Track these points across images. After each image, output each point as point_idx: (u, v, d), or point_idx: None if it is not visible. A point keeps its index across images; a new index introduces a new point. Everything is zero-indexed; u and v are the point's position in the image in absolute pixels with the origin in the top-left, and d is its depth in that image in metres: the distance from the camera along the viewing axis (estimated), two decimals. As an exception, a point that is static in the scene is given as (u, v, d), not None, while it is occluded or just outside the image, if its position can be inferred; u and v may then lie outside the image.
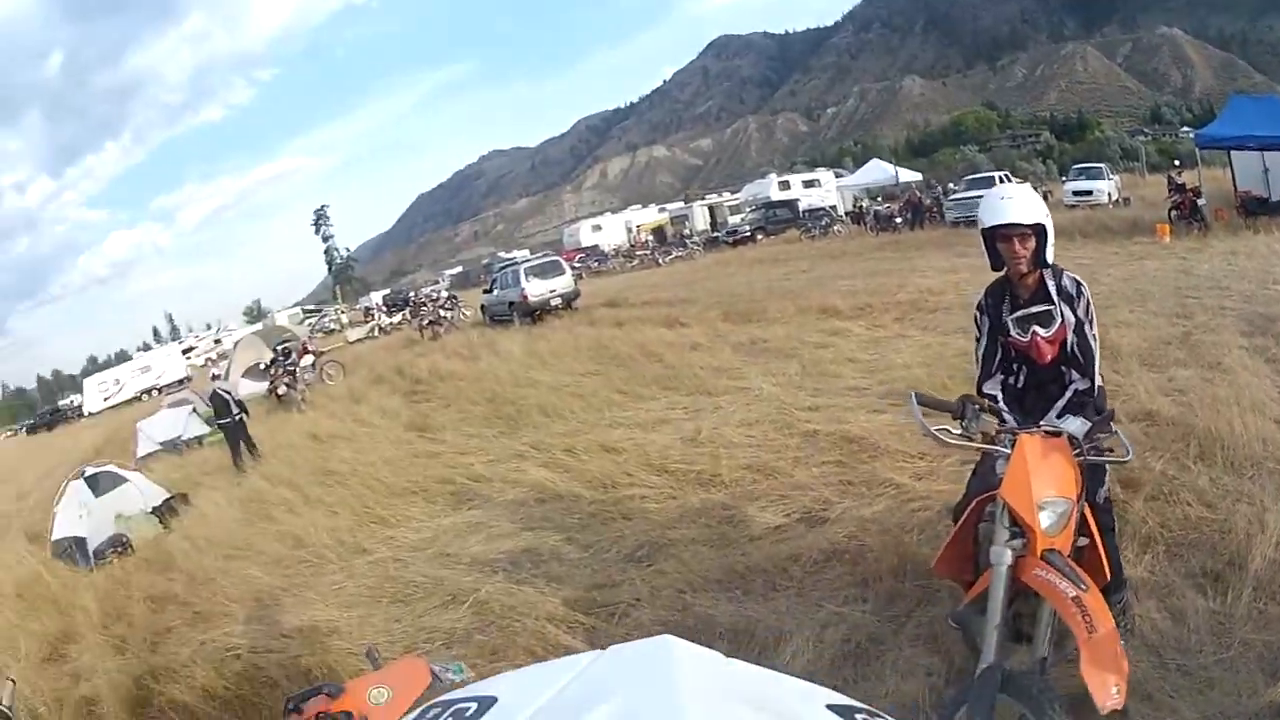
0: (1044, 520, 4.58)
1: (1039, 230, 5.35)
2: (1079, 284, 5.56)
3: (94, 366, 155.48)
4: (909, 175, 67.24)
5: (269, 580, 10.97)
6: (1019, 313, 5.64)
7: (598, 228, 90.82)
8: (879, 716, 1.86)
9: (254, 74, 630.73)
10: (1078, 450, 4.91)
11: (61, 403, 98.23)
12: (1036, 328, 5.57)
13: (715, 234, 71.01)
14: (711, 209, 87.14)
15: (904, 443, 10.28)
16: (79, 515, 16.57)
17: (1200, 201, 28.90)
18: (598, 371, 19.05)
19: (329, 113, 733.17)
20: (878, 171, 68.83)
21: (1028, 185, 5.52)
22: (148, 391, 69.72)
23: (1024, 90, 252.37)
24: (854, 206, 62.40)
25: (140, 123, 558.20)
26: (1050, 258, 5.48)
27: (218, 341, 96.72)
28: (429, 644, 8.20)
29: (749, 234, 61.73)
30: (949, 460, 9.27)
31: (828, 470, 10.15)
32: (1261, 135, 27.17)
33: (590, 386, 17.32)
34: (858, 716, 1.84)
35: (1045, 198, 6.00)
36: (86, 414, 73.37)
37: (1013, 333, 5.66)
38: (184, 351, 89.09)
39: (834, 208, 63.16)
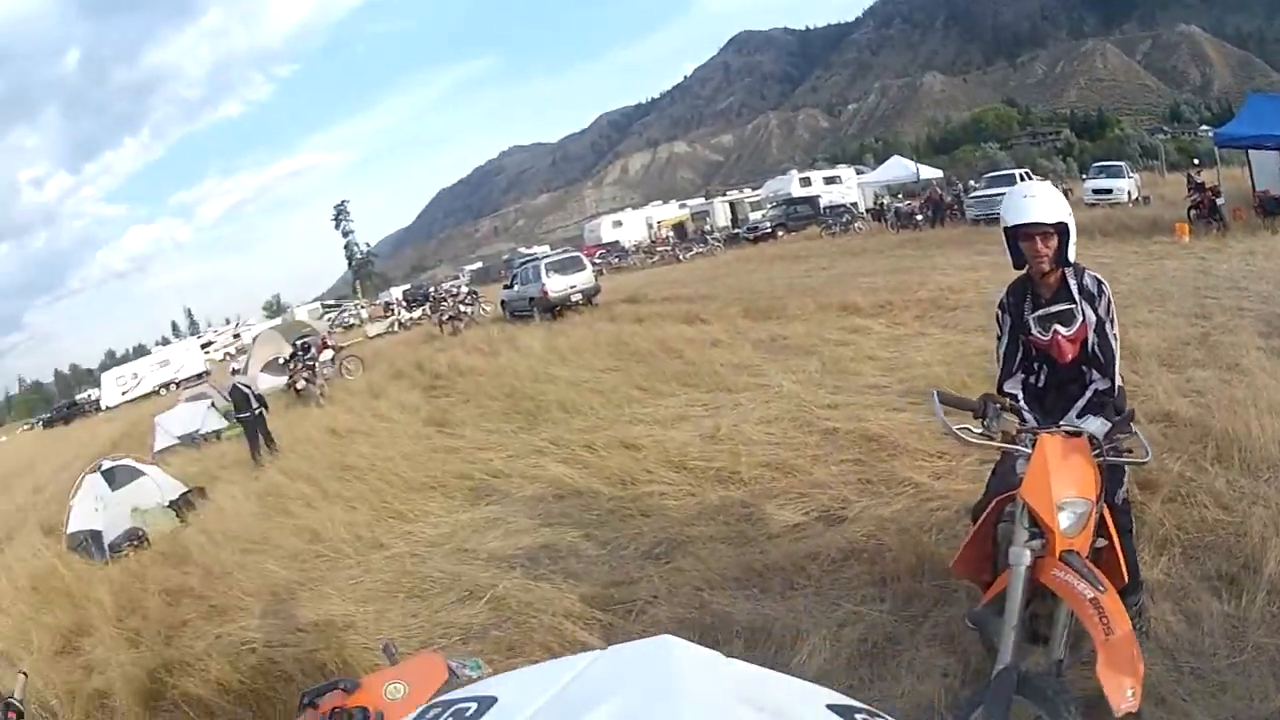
0: (1063, 521, 4.55)
1: (1061, 229, 5.30)
2: (1100, 283, 5.50)
3: (112, 361, 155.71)
4: (930, 172, 66.85)
5: (285, 574, 10.99)
6: (1040, 311, 5.57)
7: (619, 224, 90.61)
8: (879, 717, 1.83)
9: (273, 70, 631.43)
10: (1097, 451, 4.86)
11: (79, 397, 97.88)
12: (1058, 326, 5.51)
13: (736, 230, 71.12)
14: (732, 205, 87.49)
15: (923, 441, 10.25)
16: (95, 509, 16.56)
17: (1219, 201, 28.80)
18: (618, 368, 19.02)
19: (349, 108, 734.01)
20: (899, 168, 68.49)
21: (1049, 183, 5.40)
22: (166, 386, 69.75)
23: (1044, 87, 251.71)
24: (875, 203, 62.12)
25: (159, 119, 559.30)
26: (1072, 256, 5.43)
27: (237, 336, 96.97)
28: (445, 639, 8.20)
29: (770, 230, 61.76)
30: (968, 460, 9.25)
31: (847, 468, 10.11)
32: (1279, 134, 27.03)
33: (610, 383, 17.30)
34: (858, 716, 1.81)
35: (1065, 195, 5.91)
36: (104, 408, 73.40)
37: (1034, 331, 5.60)
38: (203, 346, 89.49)
39: (855, 205, 62.94)
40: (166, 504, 17.20)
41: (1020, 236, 5.40)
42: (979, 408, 5.18)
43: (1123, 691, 4.14)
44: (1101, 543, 4.91)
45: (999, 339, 5.86)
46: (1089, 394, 5.48)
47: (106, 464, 18.42)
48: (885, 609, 6.84)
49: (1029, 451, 4.85)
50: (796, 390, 13.77)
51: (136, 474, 18.11)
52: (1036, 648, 4.94)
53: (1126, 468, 5.47)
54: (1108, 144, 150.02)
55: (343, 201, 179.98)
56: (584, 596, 8.26)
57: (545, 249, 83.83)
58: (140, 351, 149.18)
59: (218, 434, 27.70)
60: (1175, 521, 7.05)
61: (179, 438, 27.67)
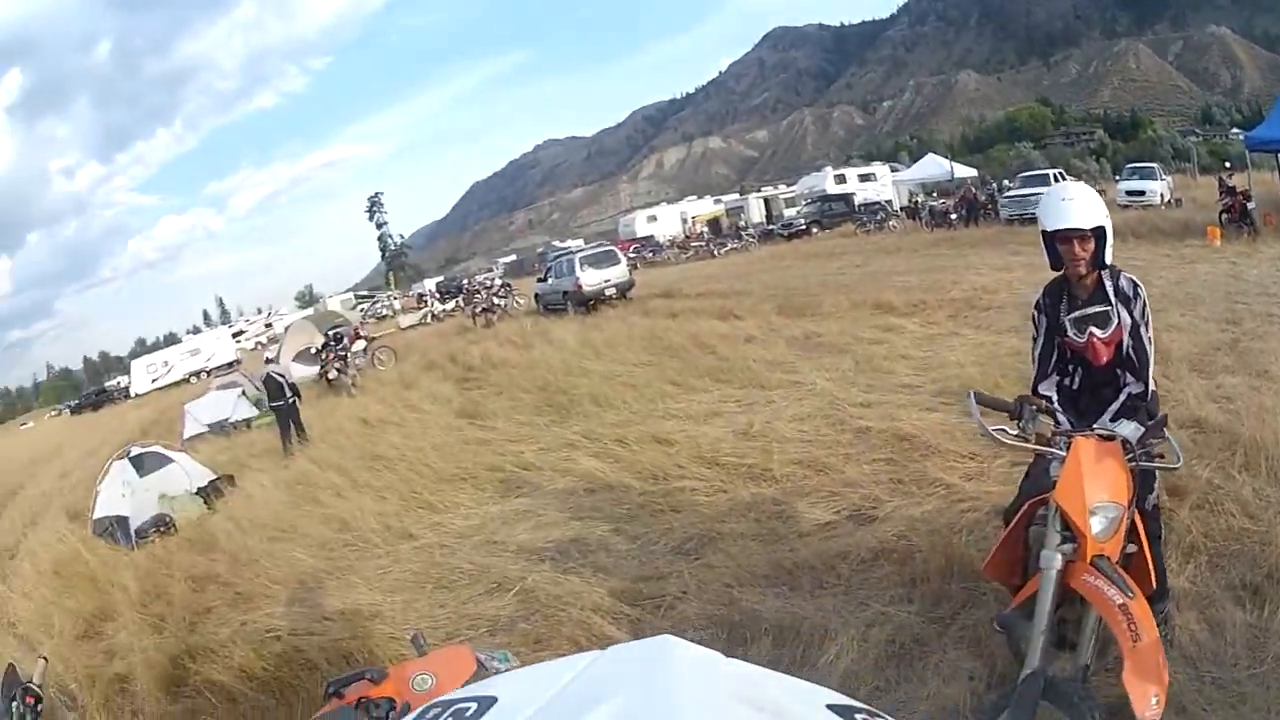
0: (1095, 525, 4.55)
1: (1099, 232, 5.28)
2: (1136, 285, 5.48)
3: (142, 349, 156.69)
4: (964, 171, 66.77)
5: (313, 563, 11.01)
6: (1076, 313, 5.55)
7: (653, 218, 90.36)
8: (879, 716, 1.77)
9: (307, 62, 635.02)
10: (1130, 455, 4.85)
11: (108, 384, 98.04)
12: (1093, 328, 5.49)
13: (770, 226, 71.01)
14: (767, 201, 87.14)
15: (955, 442, 10.21)
16: (122, 494, 16.58)
17: (1250, 205, 28.59)
18: (651, 362, 19.00)
19: (384, 100, 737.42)
20: (933, 166, 68.38)
21: (1085, 185, 5.34)
22: (196, 374, 70.02)
23: (1078, 87, 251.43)
24: (909, 201, 62.17)
25: (192, 110, 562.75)
26: (1109, 258, 5.40)
27: (268, 325, 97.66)
28: (472, 631, 8.23)
29: (804, 227, 61.41)
30: (999, 461, 9.23)
31: (878, 468, 10.08)
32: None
33: (643, 377, 17.28)
34: (858, 716, 1.76)
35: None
36: (133, 395, 73.55)
37: (1070, 333, 5.58)
38: (234, 335, 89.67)
39: (889, 202, 62.78)
40: (194, 491, 17.28)
41: (1058, 240, 5.36)
42: (1015, 409, 5.15)
43: (1147, 699, 4.14)
44: (1132, 548, 4.88)
45: (1034, 340, 5.83)
46: (1123, 397, 5.43)
47: (135, 450, 18.47)
48: (913, 610, 6.82)
49: (1063, 454, 4.83)
50: (830, 388, 13.71)
51: (165, 461, 18.20)
52: (1063, 653, 4.94)
53: (1157, 473, 5.44)
54: (1140, 145, 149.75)
55: (377, 193, 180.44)
56: (613, 591, 8.24)
57: (579, 243, 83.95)
58: (171, 340, 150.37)
59: (248, 423, 27.90)
60: (1203, 529, 7.01)
61: (208, 425, 27.87)
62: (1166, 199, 43.18)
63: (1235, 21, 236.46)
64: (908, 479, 9.53)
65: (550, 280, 40.45)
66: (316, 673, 7.77)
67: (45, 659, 4.74)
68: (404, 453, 15.17)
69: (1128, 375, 5.46)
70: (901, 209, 60.02)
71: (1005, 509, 6.03)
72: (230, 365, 63.13)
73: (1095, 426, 5.12)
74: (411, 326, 52.96)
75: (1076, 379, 5.74)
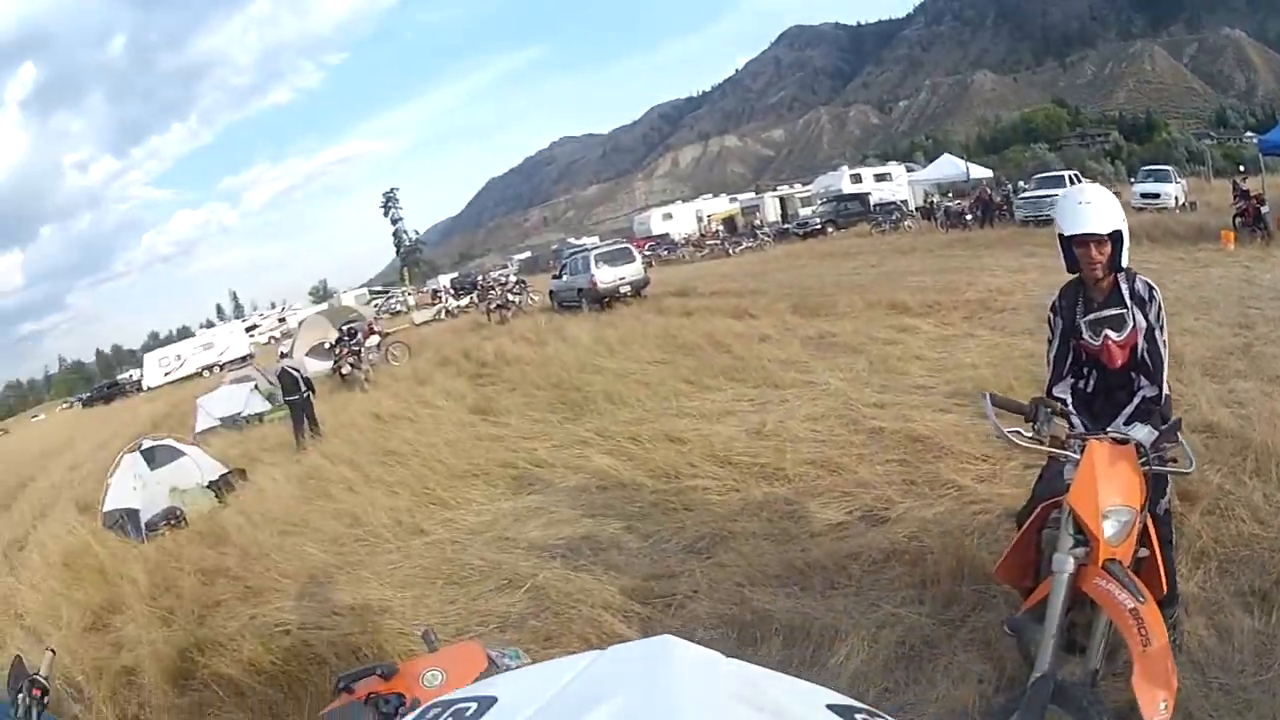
0: (1108, 529, 4.55)
1: (1116, 236, 5.29)
2: (1151, 288, 5.47)
3: (155, 342, 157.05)
4: (980, 172, 66.63)
5: (324, 557, 11.02)
6: (1092, 315, 5.55)
7: (668, 216, 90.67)
8: (879, 717, 1.78)
9: (323, 58, 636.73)
10: (1143, 459, 4.84)
11: (120, 377, 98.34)
12: (1109, 331, 5.48)
13: (785, 226, 70.95)
14: (783, 200, 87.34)
15: (968, 444, 10.20)
16: (133, 487, 16.59)
17: (1264, 209, 28.44)
18: (665, 360, 19.01)
19: (399, 96, 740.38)
20: (949, 167, 68.29)
21: (1103, 188, 5.31)
22: (209, 368, 70.21)
23: (1093, 88, 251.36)
24: (924, 202, 62.19)
25: (208, 105, 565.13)
26: (1125, 262, 5.40)
27: (282, 320, 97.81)
28: (482, 627, 8.24)
29: (819, 226, 61.42)
30: (1012, 463, 9.23)
31: (891, 469, 10.07)
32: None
33: (657, 375, 17.29)
34: (858, 716, 1.77)
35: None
36: (145, 388, 73.71)
37: (1085, 335, 5.58)
38: (248, 329, 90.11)
39: (905, 202, 62.79)
40: (206, 484, 17.28)
41: (1075, 244, 5.36)
42: (1030, 411, 5.15)
43: (1156, 704, 4.15)
44: (1143, 552, 4.88)
45: (1050, 342, 5.82)
46: (1137, 401, 5.44)
47: (147, 443, 18.48)
48: (924, 612, 6.82)
49: (1077, 457, 4.81)
50: (843, 388, 13.69)
51: (176, 454, 18.20)
52: (1072, 657, 4.96)
53: (1170, 477, 5.42)
54: (1155, 148, 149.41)
55: (392, 189, 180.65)
56: (624, 589, 8.24)
57: (594, 240, 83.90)
58: (184, 333, 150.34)
59: (260, 417, 27.86)
60: (1213, 534, 7.00)
61: (220, 419, 27.81)
62: (1181, 202, 43.07)
63: (1249, 24, 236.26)
64: (920, 480, 9.53)
65: (565, 277, 40.43)
66: (325, 667, 7.76)
67: (53, 651, 4.73)
68: (416, 448, 15.18)
69: (1142, 378, 5.47)
70: (917, 209, 60.12)
71: (1018, 511, 6.02)
72: (243, 359, 63.02)
73: (1109, 429, 5.10)
74: (426, 322, 52.83)
75: (1091, 382, 5.74)
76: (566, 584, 8.48)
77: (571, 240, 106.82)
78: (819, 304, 23.29)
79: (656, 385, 16.26)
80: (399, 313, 69.68)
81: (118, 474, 17.10)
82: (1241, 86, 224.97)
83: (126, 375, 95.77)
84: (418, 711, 1.89)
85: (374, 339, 32.23)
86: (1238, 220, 28.51)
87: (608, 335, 24.29)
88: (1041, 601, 4.74)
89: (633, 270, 37.58)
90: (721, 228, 79.43)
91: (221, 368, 64.30)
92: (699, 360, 18.11)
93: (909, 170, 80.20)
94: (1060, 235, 5.43)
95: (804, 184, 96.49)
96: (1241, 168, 39.77)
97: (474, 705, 1.77)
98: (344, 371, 29.42)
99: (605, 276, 36.62)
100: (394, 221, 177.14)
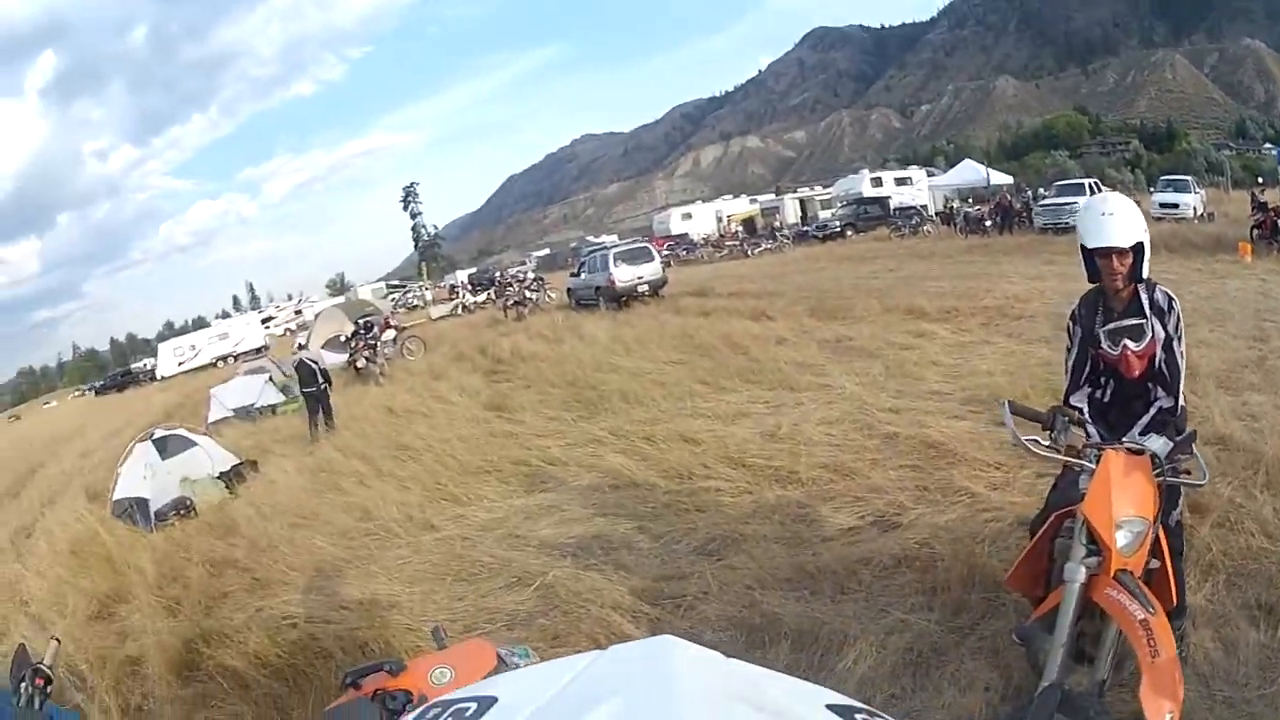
0: (1120, 539, 4.54)
1: (1137, 248, 5.29)
2: (1171, 299, 5.46)
3: (170, 332, 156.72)
4: (1000, 178, 66.89)
5: (333, 551, 11.03)
6: (1111, 325, 5.55)
7: (688, 216, 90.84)
8: (879, 717, 1.76)
9: (346, 51, 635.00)
10: (1158, 470, 4.82)
11: (134, 365, 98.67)
12: (1127, 341, 5.48)
13: (805, 228, 71.05)
14: (803, 202, 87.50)
15: (982, 451, 10.18)
16: (143, 476, 16.63)
17: None
18: (681, 361, 19.03)
19: (422, 90, 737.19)
20: (969, 172, 68.61)
21: (1125, 198, 5.30)
22: (224, 358, 70.45)
23: (1115, 96, 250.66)
24: (944, 207, 62.24)
25: (229, 96, 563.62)
26: (1145, 272, 5.40)
27: (298, 312, 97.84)
28: (491, 625, 8.24)
29: (839, 229, 61.67)
30: (1025, 471, 9.22)
31: (904, 474, 10.04)
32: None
33: (673, 375, 17.32)
34: (858, 717, 1.74)
35: (1135, 207, 5.82)
36: (159, 378, 74.09)
37: (1104, 345, 5.58)
38: (263, 321, 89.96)
39: (924, 207, 62.79)
40: (217, 475, 17.29)
41: (1097, 255, 5.37)
42: (1048, 420, 5.19)
43: (1162, 715, 4.12)
44: (1154, 564, 4.86)
45: (1069, 350, 5.82)
46: (1153, 411, 5.44)
47: (159, 433, 18.58)
48: (933, 619, 6.81)
49: (1092, 466, 4.81)
50: (859, 392, 13.67)
51: (188, 444, 18.24)
52: (1080, 667, 4.92)
53: (1182, 489, 5.41)
54: (1175, 157, 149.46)
55: (412, 183, 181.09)
56: (634, 589, 8.23)
57: (613, 238, 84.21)
58: (199, 324, 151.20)
59: (273, 408, 28.02)
60: (1222, 547, 6.98)
61: (234, 410, 28.00)
62: (1199, 212, 43.06)
63: (1269, 35, 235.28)
64: (933, 486, 9.50)
65: (583, 275, 40.50)
66: (331, 662, 7.78)
67: (58, 640, 4.71)
68: (430, 443, 15.20)
69: (1158, 389, 5.48)
70: (936, 214, 59.99)
71: (1031, 520, 5.99)
72: (258, 351, 63.42)
73: (1125, 440, 5.08)
74: (442, 317, 52.86)
75: (1108, 391, 5.75)
76: (576, 583, 8.46)
77: (590, 238, 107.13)
78: (836, 307, 23.27)
79: (672, 385, 16.27)
80: (415, 307, 69.76)
81: (128, 463, 17.19)
82: (1261, 98, 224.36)
83: (140, 364, 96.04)
84: (418, 711, 1.88)
85: (390, 333, 32.35)
86: (1255, 232, 28.53)
87: (624, 334, 24.38)
88: (1051, 610, 4.74)
89: (651, 270, 37.54)
90: (741, 229, 79.80)
91: (236, 358, 64.38)
92: (715, 361, 18.11)
93: (929, 175, 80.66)
94: (1082, 246, 5.42)
95: (824, 186, 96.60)
96: (1260, 179, 39.85)
97: (474, 705, 1.76)
98: (359, 365, 29.55)
99: (623, 275, 36.63)
100: (413, 216, 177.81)
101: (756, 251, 60.73)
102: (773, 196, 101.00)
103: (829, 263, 41.85)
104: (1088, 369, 5.69)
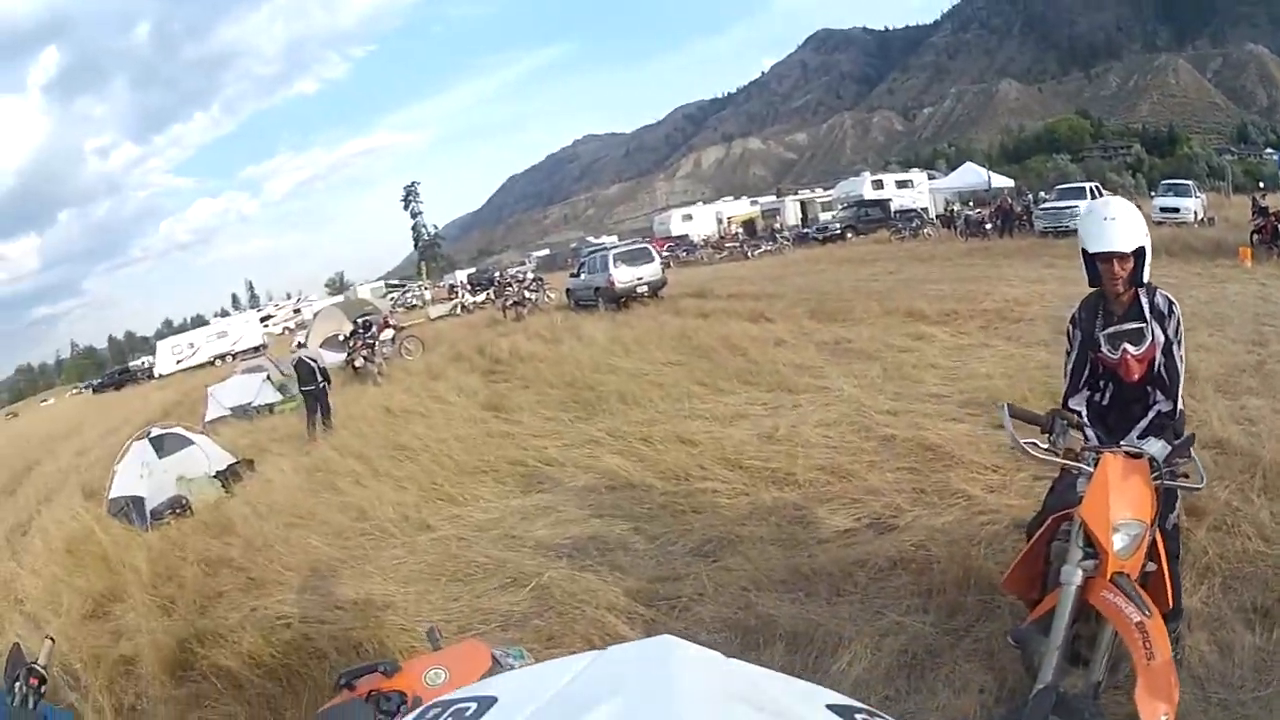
0: (1117, 542, 4.57)
1: (1139, 253, 5.32)
2: (1171, 303, 5.50)
3: (169, 330, 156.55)
4: (1001, 181, 66.89)
5: (328, 551, 11.02)
6: (1111, 329, 5.56)
7: (688, 217, 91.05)
8: (879, 717, 1.76)
9: (349, 50, 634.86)
10: (1156, 473, 4.86)
11: (132, 363, 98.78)
12: (1127, 345, 5.48)
13: (805, 230, 71.18)
14: (803, 204, 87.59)
15: (979, 453, 10.21)
16: (140, 475, 16.58)
17: None
18: (680, 362, 19.08)
19: (425, 90, 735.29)
20: (971, 175, 68.63)
21: (1127, 202, 5.31)
22: (221, 357, 70.58)
23: (1117, 100, 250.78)
24: (945, 210, 62.43)
25: (231, 94, 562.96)
26: (1146, 276, 5.42)
27: (297, 311, 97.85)
28: (485, 625, 8.24)
29: (839, 232, 61.93)
30: (1022, 474, 9.26)
31: (901, 476, 10.09)
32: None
33: (671, 376, 17.35)
34: (858, 717, 1.74)
35: (1135, 211, 5.83)
36: (157, 376, 74.18)
37: (1104, 348, 5.59)
38: (262, 319, 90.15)
39: (925, 210, 63.09)
40: (213, 474, 17.27)
41: (1099, 259, 5.40)
42: (1047, 423, 5.26)
43: (1157, 717, 4.17)
44: (1151, 567, 4.89)
45: (1068, 353, 5.84)
46: (1151, 415, 5.47)
47: (156, 431, 18.54)
48: (928, 621, 6.84)
49: (1091, 470, 4.85)
50: (857, 394, 13.71)
51: (185, 443, 18.22)
52: (1076, 669, 4.95)
53: (1179, 493, 5.48)
54: (1176, 162, 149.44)
55: (413, 183, 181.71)
56: (629, 590, 8.24)
57: (613, 239, 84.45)
58: (198, 322, 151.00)
59: (270, 408, 28.03)
60: (1218, 550, 7.05)
61: (231, 409, 28.01)
62: (1200, 217, 43.33)
63: (1272, 40, 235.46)
64: (930, 489, 9.54)
65: (583, 276, 40.56)
66: (325, 662, 7.77)
67: (52, 640, 4.70)
68: (427, 443, 15.19)
69: (1157, 393, 5.53)
70: (937, 217, 60.30)
71: (1028, 523, 6.04)
72: (256, 349, 63.66)
73: (1123, 443, 5.11)
74: (441, 317, 52.93)
75: (1107, 395, 5.77)
76: (571, 584, 8.47)
77: (590, 239, 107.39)
78: (836, 309, 23.32)
79: (670, 387, 16.28)
80: (414, 307, 69.88)
81: (125, 461, 17.12)
82: (1264, 103, 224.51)
83: (139, 362, 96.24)
84: (417, 711, 1.87)
85: (388, 332, 32.33)
86: (1255, 237, 28.66)
87: (623, 335, 24.42)
88: (1047, 613, 4.78)
89: (651, 271, 37.61)
90: (741, 230, 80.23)
91: (234, 357, 64.56)
92: (713, 363, 18.15)
93: (931, 178, 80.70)
94: (1083, 250, 5.43)
95: (825, 189, 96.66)
96: (1261, 184, 39.91)
97: (473, 705, 1.75)
98: (357, 364, 29.55)
99: (623, 276, 36.69)
100: (414, 215, 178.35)
101: (756, 253, 60.97)
102: (774, 198, 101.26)
103: (829, 265, 42.03)
104: (1087, 373, 5.72)
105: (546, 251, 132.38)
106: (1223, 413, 10.28)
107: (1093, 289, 5.64)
